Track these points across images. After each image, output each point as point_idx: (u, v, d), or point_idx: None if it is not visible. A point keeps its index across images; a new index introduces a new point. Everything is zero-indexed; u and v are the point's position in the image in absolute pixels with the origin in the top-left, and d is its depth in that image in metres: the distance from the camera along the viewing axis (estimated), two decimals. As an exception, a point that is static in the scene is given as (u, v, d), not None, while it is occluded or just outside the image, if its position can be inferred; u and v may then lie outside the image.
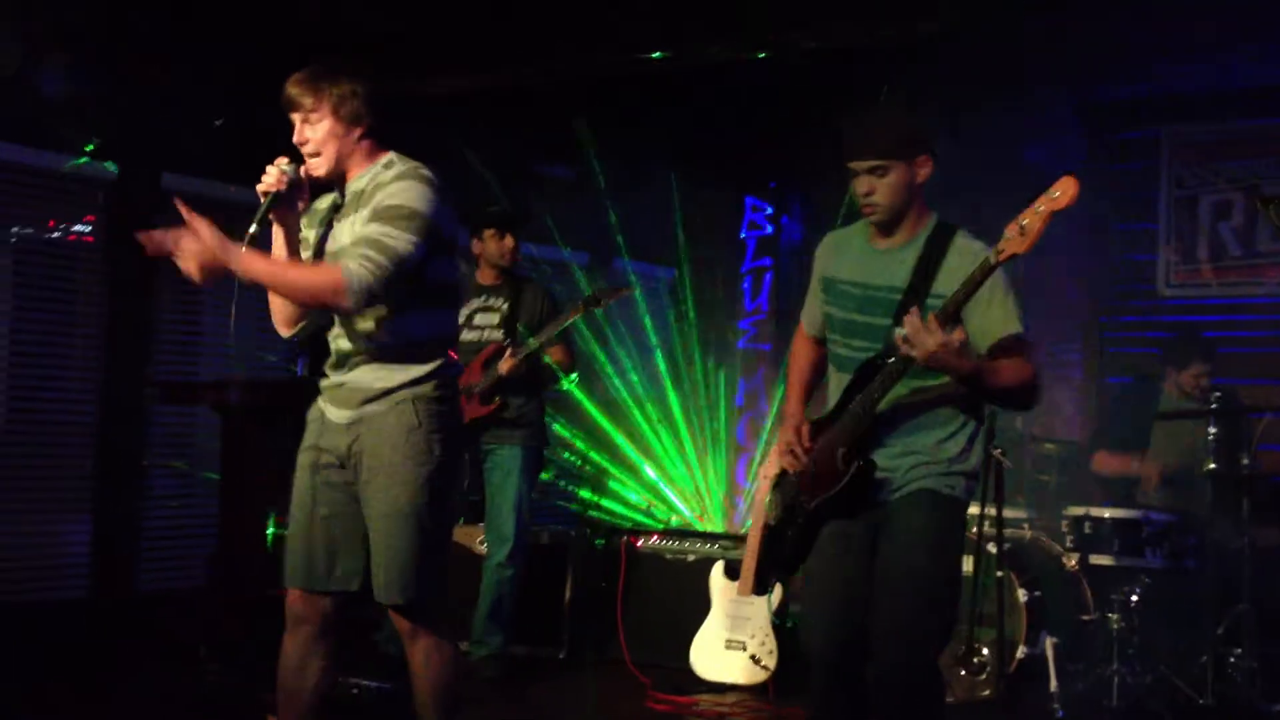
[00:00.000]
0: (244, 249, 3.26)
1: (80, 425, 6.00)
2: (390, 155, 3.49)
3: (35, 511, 5.86)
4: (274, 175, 3.39)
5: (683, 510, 7.75)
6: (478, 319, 5.64)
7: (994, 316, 3.29)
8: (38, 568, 5.83)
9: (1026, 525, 5.69)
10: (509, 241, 5.60)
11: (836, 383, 3.51)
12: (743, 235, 8.42)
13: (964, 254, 3.31)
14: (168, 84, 5.89)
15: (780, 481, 3.59)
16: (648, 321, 7.87)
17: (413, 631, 3.49)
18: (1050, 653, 5.18)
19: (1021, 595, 5.26)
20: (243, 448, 5.03)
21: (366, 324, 3.40)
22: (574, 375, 5.84)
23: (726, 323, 8.27)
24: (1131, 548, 5.36)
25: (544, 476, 6.24)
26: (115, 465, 6.02)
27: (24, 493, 5.83)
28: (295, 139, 3.44)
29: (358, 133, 3.43)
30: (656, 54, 6.46)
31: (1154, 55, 6.22)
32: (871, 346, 3.38)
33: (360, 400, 3.42)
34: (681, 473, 7.82)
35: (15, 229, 5.96)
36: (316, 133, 3.41)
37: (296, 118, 3.43)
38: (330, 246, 3.49)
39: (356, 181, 3.46)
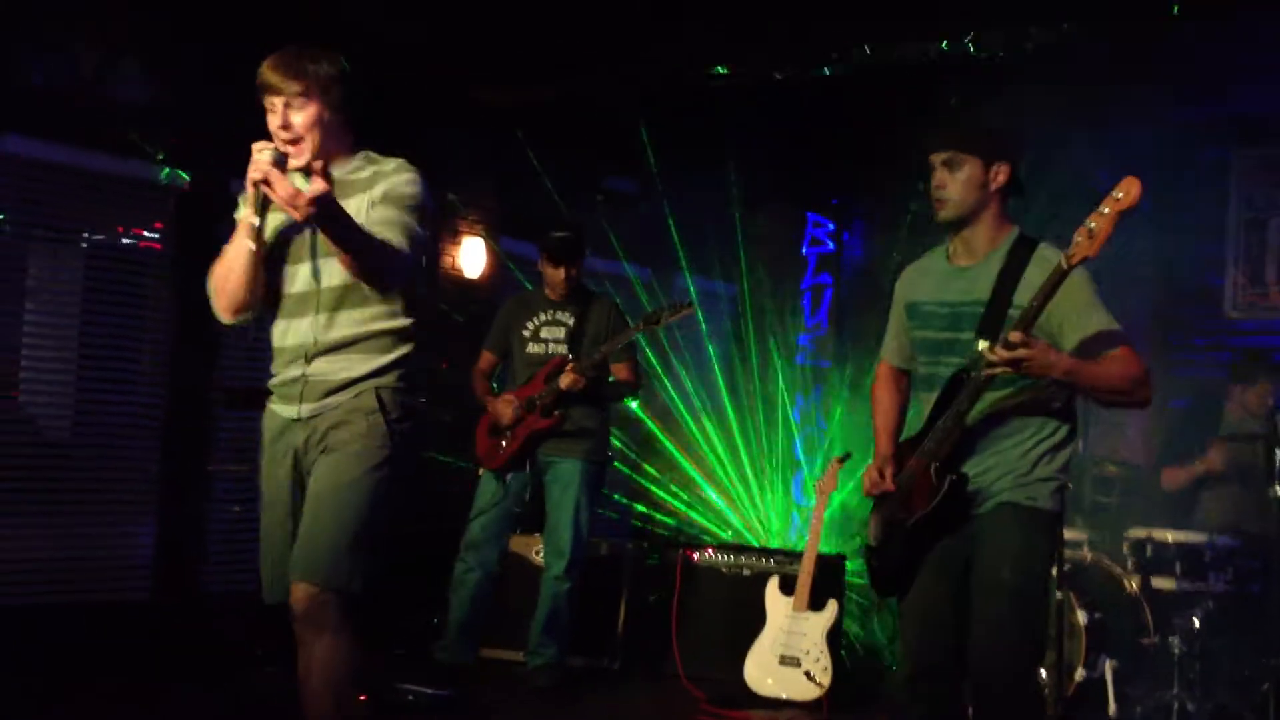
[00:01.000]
0: (252, 245, 3.18)
1: (147, 429, 6.08)
2: (366, 152, 3.39)
3: (101, 514, 5.94)
4: (265, 162, 3.11)
5: (739, 525, 7.73)
6: (544, 332, 5.67)
7: (1086, 317, 3.31)
8: (103, 569, 5.90)
9: (1087, 547, 5.63)
10: (563, 272, 5.60)
11: (925, 402, 3.53)
12: (804, 251, 8.41)
13: (1043, 264, 3.31)
14: (236, 91, 5.96)
15: (879, 502, 3.60)
16: (707, 336, 7.87)
17: (318, 621, 3.21)
18: (1109, 676, 5.12)
19: (1081, 617, 5.21)
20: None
21: (336, 323, 3.29)
22: (638, 394, 5.84)
23: (786, 338, 8.24)
24: (1194, 571, 5.30)
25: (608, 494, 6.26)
26: (180, 469, 6.09)
27: (91, 495, 5.91)
28: (275, 125, 3.25)
29: (342, 117, 3.30)
30: (720, 69, 6.49)
31: (1224, 76, 6.16)
32: (961, 362, 3.40)
33: (322, 393, 3.30)
34: (738, 487, 7.80)
35: (86, 234, 6.07)
36: (300, 118, 3.24)
37: (277, 102, 3.25)
38: (293, 233, 3.32)
39: (333, 173, 3.26)
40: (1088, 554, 5.60)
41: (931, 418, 3.44)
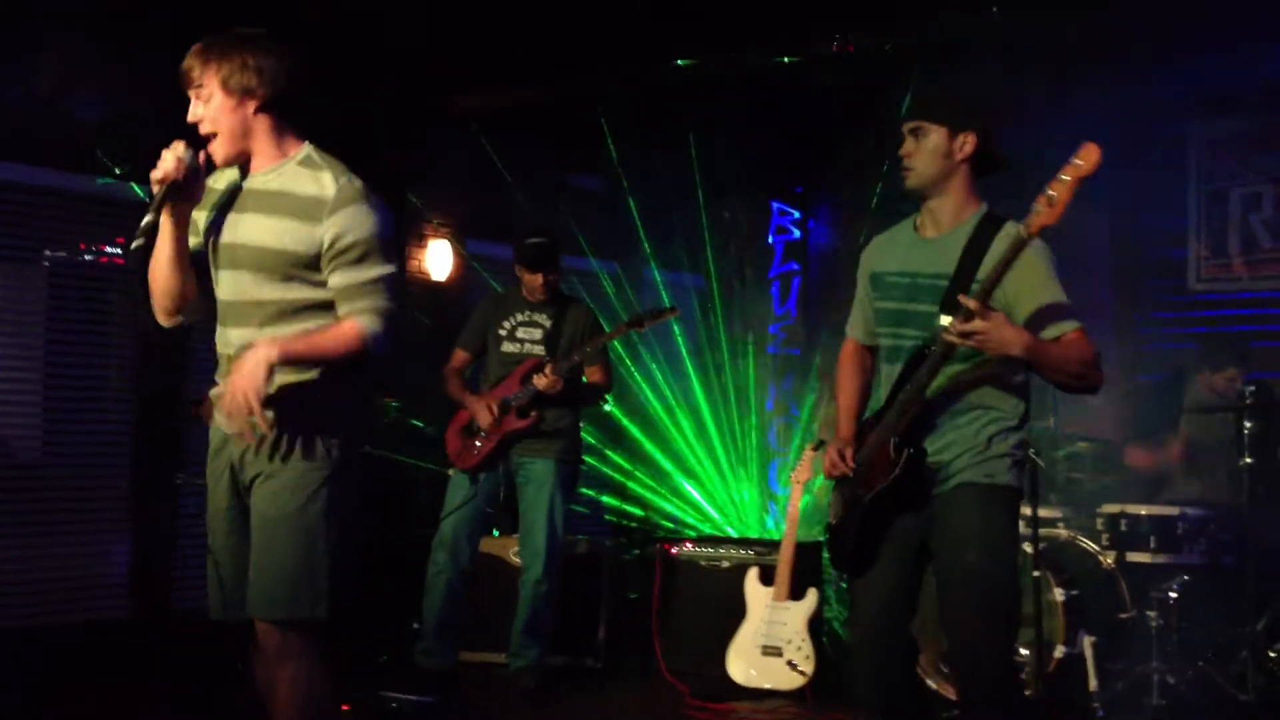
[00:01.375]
0: (135, 245, 3.06)
1: (116, 445, 6.05)
2: (306, 150, 3.21)
3: (75, 533, 5.91)
4: (170, 162, 3.07)
5: (715, 517, 7.75)
6: (520, 333, 5.65)
7: (1040, 291, 3.30)
8: (79, 589, 5.88)
9: (1061, 524, 5.66)
10: (539, 278, 5.59)
11: (887, 376, 3.53)
12: (770, 240, 8.42)
13: (1009, 240, 3.29)
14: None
15: (840, 482, 3.59)
16: (677, 329, 7.87)
17: (282, 652, 3.14)
18: (1089, 652, 5.15)
19: (1059, 595, 5.23)
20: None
21: (249, 329, 3.15)
22: (610, 395, 5.85)
23: (756, 328, 8.26)
24: (1169, 544, 5.34)
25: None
26: (152, 485, 6.06)
27: (64, 514, 5.88)
28: (189, 117, 3.17)
29: (251, 107, 3.14)
30: (682, 61, 6.49)
31: (1180, 50, 6.20)
32: (922, 335, 3.40)
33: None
34: (714, 479, 7.82)
35: (48, 252, 6.03)
36: (208, 109, 3.14)
37: (191, 93, 3.17)
38: (228, 238, 3.19)
39: (267, 176, 3.18)
40: (1062, 531, 5.63)
41: (893, 392, 3.44)
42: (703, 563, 6.06)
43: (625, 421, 7.72)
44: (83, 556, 5.93)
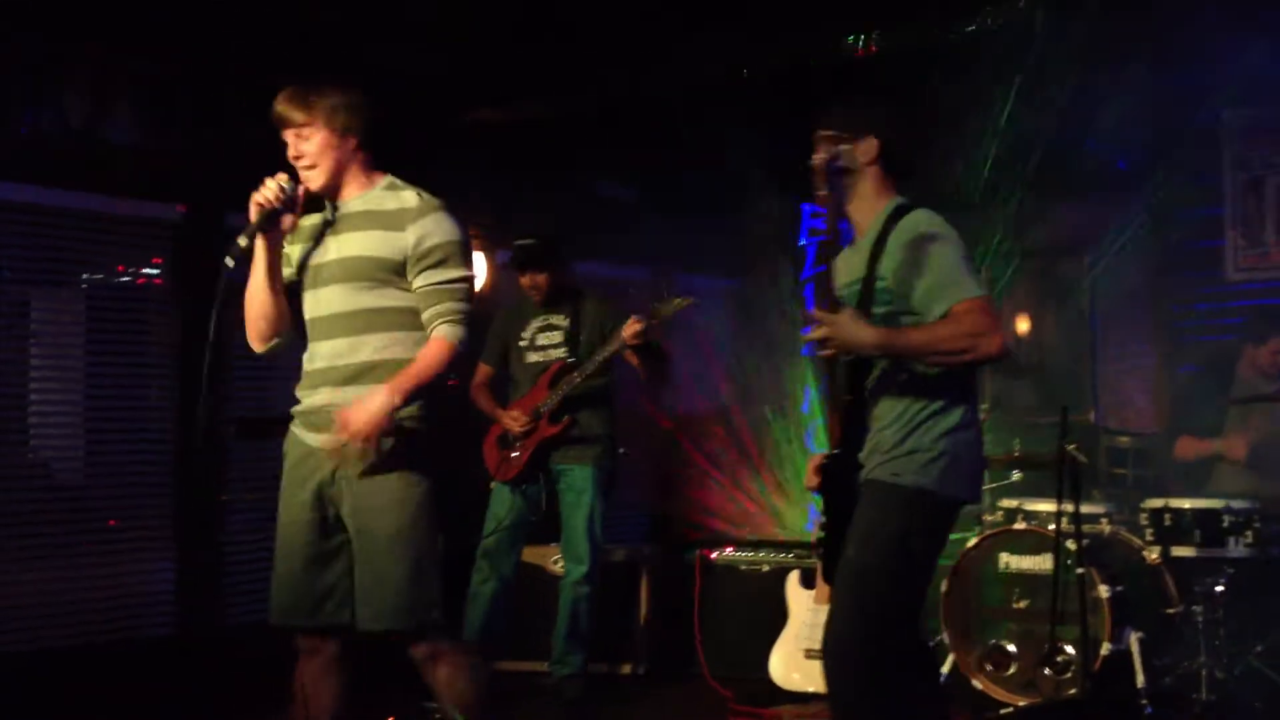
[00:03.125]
0: (230, 262, 3.29)
1: (159, 464, 6.10)
2: (389, 177, 3.53)
3: (120, 552, 5.95)
4: (273, 189, 3.37)
5: (755, 520, 7.73)
6: (540, 339, 5.65)
7: (928, 275, 3.25)
8: (126, 608, 5.92)
9: (1105, 520, 5.62)
10: (529, 279, 5.59)
11: None
12: (802, 242, 8.40)
13: (903, 230, 3.33)
14: (228, 125, 5.99)
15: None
16: (710, 332, 7.86)
17: (430, 653, 3.44)
18: (1136, 648, 5.11)
19: (1103, 591, 5.19)
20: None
21: (360, 347, 3.40)
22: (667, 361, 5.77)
23: (789, 330, 8.24)
24: (1214, 538, 5.28)
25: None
26: (195, 502, 6.10)
27: (108, 534, 5.93)
28: (290, 155, 3.45)
29: (352, 144, 3.46)
30: (707, 65, 6.49)
31: (1213, 36, 6.15)
32: None
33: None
34: (751, 482, 7.80)
35: (86, 275, 6.08)
36: (311, 146, 3.43)
37: (290, 134, 3.44)
38: (315, 260, 3.47)
39: (355, 201, 3.48)
40: (1105, 527, 5.59)
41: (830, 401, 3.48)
42: (743, 566, 6.05)
43: (662, 425, 7.71)
44: (128, 575, 5.97)
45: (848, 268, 3.44)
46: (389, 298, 3.42)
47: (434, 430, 3.45)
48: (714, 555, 6.12)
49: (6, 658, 5.47)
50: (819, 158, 3.32)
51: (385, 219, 3.42)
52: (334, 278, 3.43)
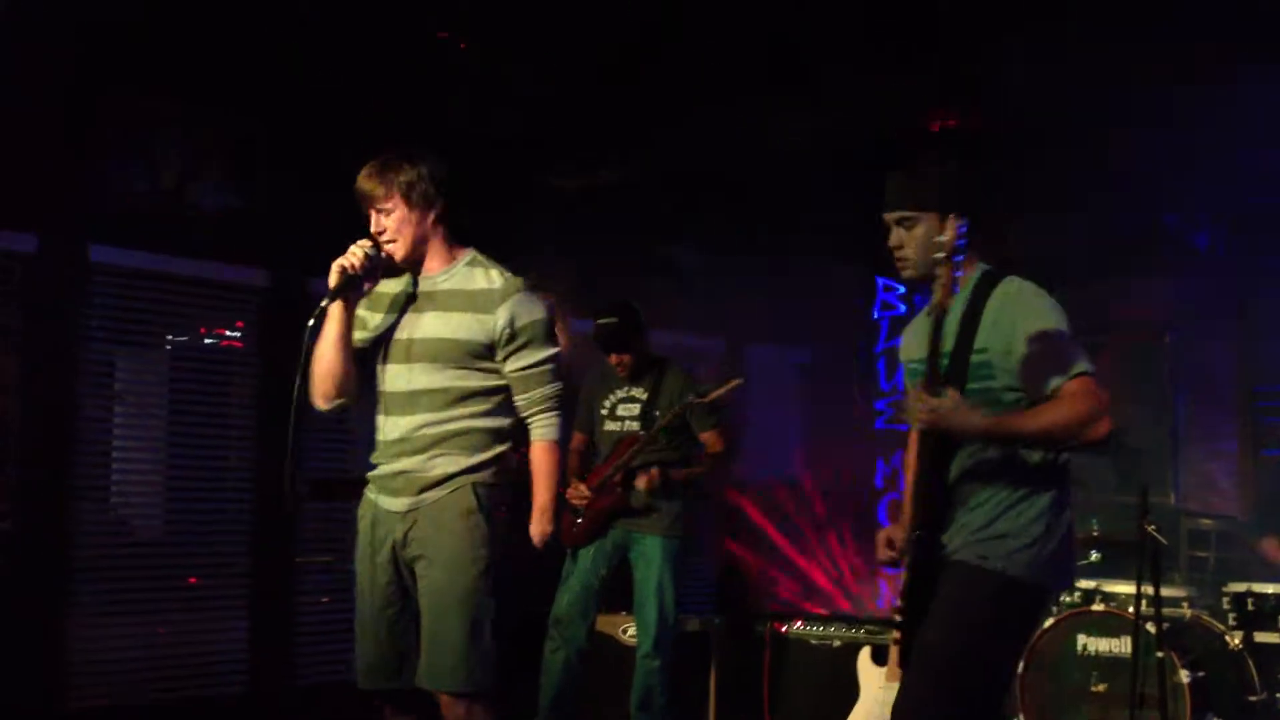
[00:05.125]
0: (312, 323, 3.40)
1: (237, 524, 6.17)
2: (471, 252, 3.60)
3: (196, 610, 6.02)
4: (357, 255, 3.44)
5: (827, 595, 7.66)
6: (620, 410, 5.68)
7: (1029, 342, 3.10)
8: (199, 665, 5.97)
9: (1186, 604, 5.51)
10: (614, 359, 5.62)
11: None
12: (876, 315, 8.39)
13: (1006, 300, 3.18)
14: (313, 190, 6.12)
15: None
16: (782, 404, 7.85)
17: (467, 716, 3.42)
18: (1218, 736, 4.99)
19: (1184, 676, 5.08)
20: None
21: (442, 422, 3.47)
22: (733, 459, 5.77)
23: (863, 404, 8.20)
24: (1298, 624, 5.17)
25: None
26: (269, 562, 6.16)
27: (185, 591, 6.00)
28: (372, 229, 3.52)
29: (431, 217, 3.52)
30: (781, 137, 6.53)
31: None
32: None
33: (419, 487, 3.46)
34: (824, 556, 7.74)
35: (170, 336, 6.21)
36: (391, 221, 3.50)
37: (371, 211, 3.52)
38: (405, 335, 3.53)
39: (440, 277, 3.55)
40: (1187, 611, 5.48)
41: (915, 480, 3.30)
42: (813, 641, 5.98)
43: (734, 498, 7.69)
44: (204, 633, 6.03)
45: (922, 341, 3.23)
46: (474, 378, 3.50)
47: (504, 498, 3.50)
48: (785, 629, 6.06)
49: (84, 713, 5.54)
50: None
51: (474, 301, 3.49)
52: (420, 356, 3.49)
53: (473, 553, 3.40)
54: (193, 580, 6.04)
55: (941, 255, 3.08)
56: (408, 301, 3.57)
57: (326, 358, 3.50)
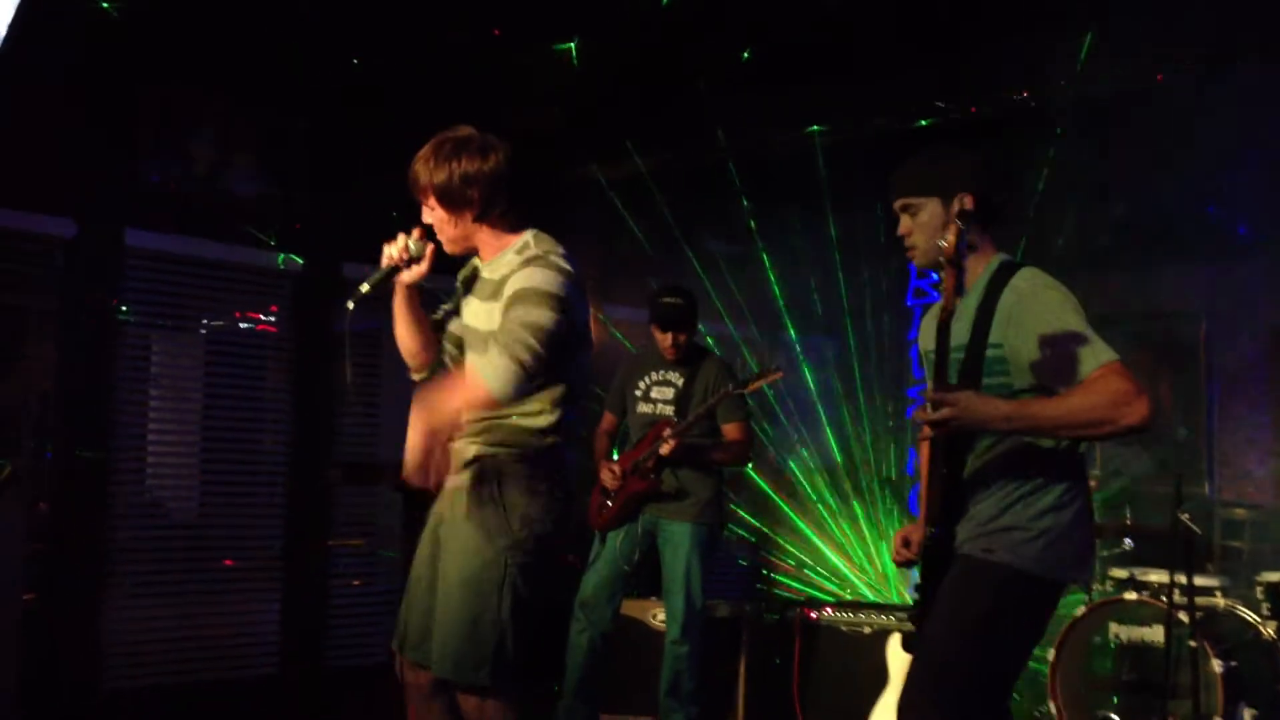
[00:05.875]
0: (350, 305, 3.37)
1: (270, 506, 6.22)
2: (524, 238, 3.47)
3: (230, 591, 6.07)
4: (398, 247, 3.44)
5: (858, 582, 7.65)
6: (654, 393, 5.69)
7: (1046, 335, 3.03)
8: (233, 646, 6.03)
9: (1219, 593, 5.46)
10: (670, 338, 5.62)
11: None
12: (908, 303, 8.36)
13: (1020, 296, 3.11)
14: (348, 177, 6.16)
15: None
16: (816, 393, 7.84)
17: (477, 714, 3.34)
18: (1250, 726, 4.96)
19: (1217, 666, 5.05)
20: (422, 525, 5.14)
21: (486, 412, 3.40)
22: (749, 457, 5.80)
23: (894, 392, 8.18)
24: (1334, 614, 5.12)
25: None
26: (302, 546, 6.21)
27: (219, 572, 6.06)
28: (423, 219, 3.49)
29: (469, 216, 3.43)
30: (815, 128, 6.52)
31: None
32: None
33: (459, 466, 3.43)
34: (856, 544, 7.73)
35: (205, 320, 6.26)
36: (433, 217, 3.47)
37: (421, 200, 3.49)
38: (453, 326, 3.55)
39: (488, 267, 3.50)
40: (1220, 600, 5.44)
41: (929, 475, 3.27)
42: (844, 628, 5.98)
43: (764, 486, 7.69)
44: (236, 614, 6.08)
45: (935, 332, 3.13)
46: None
47: (546, 493, 3.40)
48: (815, 615, 6.06)
49: (118, 693, 5.60)
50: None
51: (496, 289, 3.40)
52: (472, 345, 3.48)
53: (488, 541, 3.32)
54: (229, 562, 6.09)
55: (943, 258, 3.00)
56: (470, 285, 3.57)
57: (399, 338, 3.57)
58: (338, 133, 6.20)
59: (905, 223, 3.29)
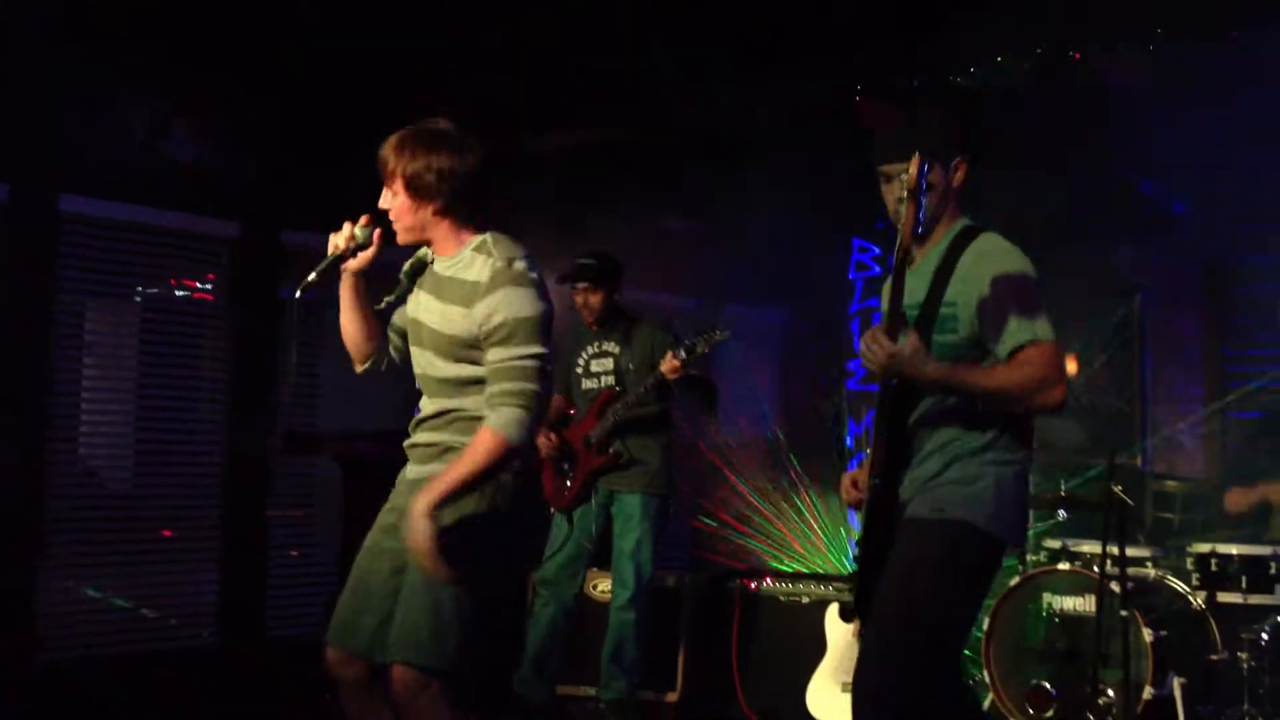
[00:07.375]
0: (298, 294, 3.34)
1: (207, 477, 6.16)
2: (483, 237, 3.41)
3: (166, 562, 6.02)
4: (343, 235, 3.43)
5: (796, 553, 7.71)
6: (594, 366, 5.68)
7: (990, 297, 3.10)
8: (169, 617, 5.98)
9: (1150, 564, 5.57)
10: (582, 297, 5.61)
11: None
12: (850, 276, 8.40)
13: (980, 256, 3.16)
14: (286, 145, 6.08)
15: None
16: (756, 364, 7.86)
17: (412, 700, 3.27)
18: (1178, 694, 5.05)
19: (1147, 635, 5.14)
20: (362, 497, 5.11)
21: (448, 408, 3.40)
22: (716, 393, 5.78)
23: (836, 364, 8.23)
24: (1261, 584, 5.22)
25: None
26: (241, 516, 6.16)
27: (155, 543, 6.00)
28: (380, 204, 3.41)
29: (431, 209, 3.36)
30: (763, 107, 6.53)
31: (1275, 81, 6.11)
32: None
33: (428, 458, 3.41)
34: (794, 515, 7.78)
35: (140, 288, 6.17)
36: (394, 203, 3.38)
37: (385, 181, 3.41)
38: (412, 315, 3.48)
39: (442, 263, 3.43)
40: (1151, 571, 5.54)
41: (875, 427, 3.31)
42: (782, 598, 6.03)
43: (705, 456, 7.71)
44: (173, 585, 6.03)
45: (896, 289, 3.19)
46: (470, 368, 3.35)
47: (509, 487, 3.35)
48: (754, 586, 6.10)
49: (54, 665, 5.54)
50: (912, 170, 3.02)
51: (464, 293, 3.33)
52: (424, 342, 3.43)
53: (451, 531, 3.24)
54: (167, 533, 6.03)
55: (904, 193, 3.06)
56: (421, 275, 3.52)
57: (343, 329, 3.55)
58: (277, 98, 6.11)
59: (899, 187, 3.20)
